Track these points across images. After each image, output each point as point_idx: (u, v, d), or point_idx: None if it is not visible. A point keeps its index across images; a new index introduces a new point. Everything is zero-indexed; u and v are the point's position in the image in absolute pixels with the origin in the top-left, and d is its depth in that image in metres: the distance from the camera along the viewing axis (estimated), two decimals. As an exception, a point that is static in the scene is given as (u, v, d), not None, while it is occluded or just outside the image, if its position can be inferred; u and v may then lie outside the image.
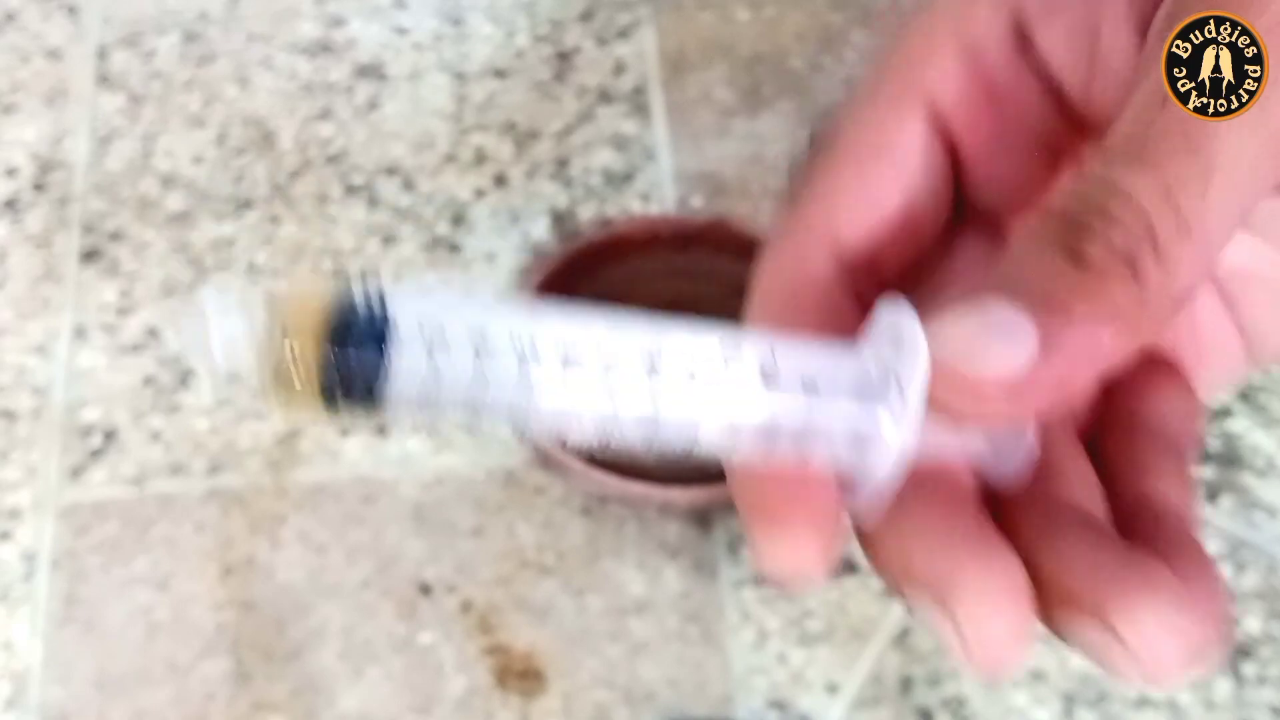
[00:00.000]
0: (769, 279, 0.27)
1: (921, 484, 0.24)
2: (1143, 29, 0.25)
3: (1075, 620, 0.24)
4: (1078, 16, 0.26)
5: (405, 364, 0.21)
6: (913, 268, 0.28)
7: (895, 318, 0.24)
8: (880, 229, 0.27)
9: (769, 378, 0.23)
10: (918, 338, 0.23)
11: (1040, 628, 0.25)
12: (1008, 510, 0.25)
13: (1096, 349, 0.23)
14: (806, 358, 0.24)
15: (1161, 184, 0.23)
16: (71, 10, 1.11)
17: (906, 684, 0.84)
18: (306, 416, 0.22)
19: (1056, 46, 0.27)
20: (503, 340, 0.22)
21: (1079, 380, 0.23)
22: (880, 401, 0.24)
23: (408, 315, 0.21)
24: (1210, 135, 0.23)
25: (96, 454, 0.91)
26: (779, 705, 0.83)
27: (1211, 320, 0.29)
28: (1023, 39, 0.27)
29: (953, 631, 0.23)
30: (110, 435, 0.92)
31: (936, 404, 0.23)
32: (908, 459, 0.24)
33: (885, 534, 0.25)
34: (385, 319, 0.21)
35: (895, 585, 0.25)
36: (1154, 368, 0.28)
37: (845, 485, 0.25)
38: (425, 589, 0.87)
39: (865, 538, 0.25)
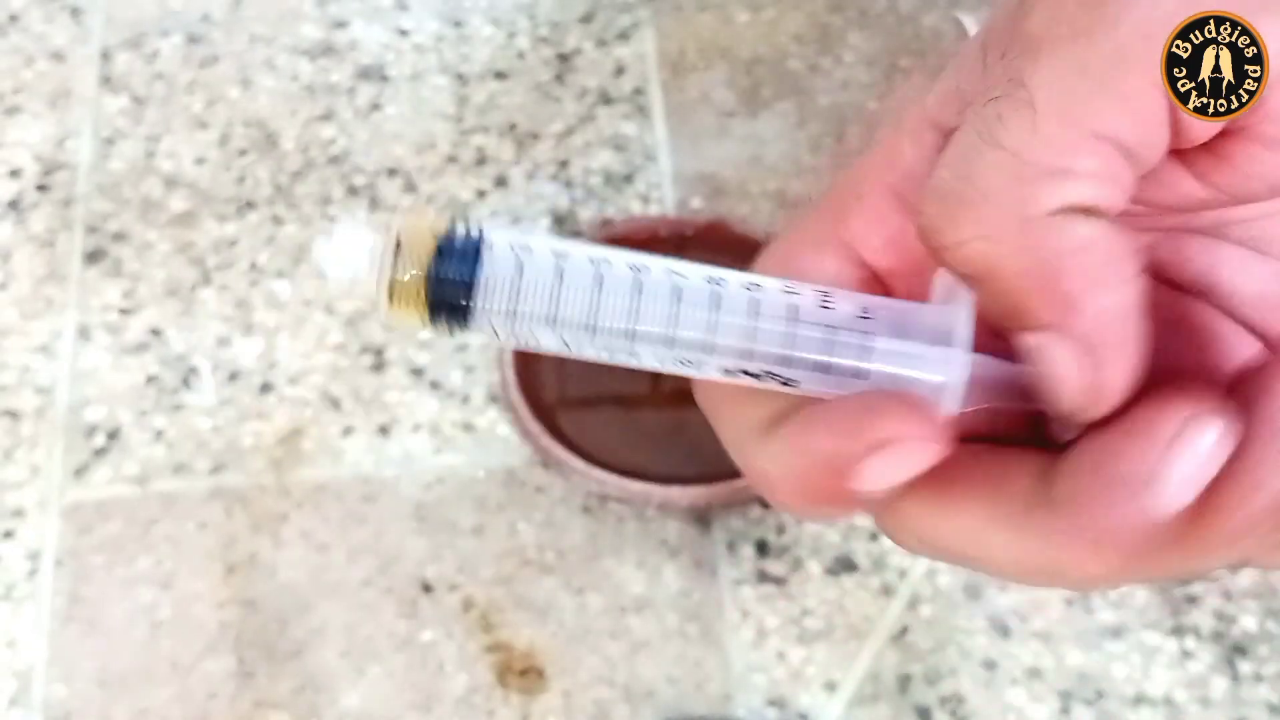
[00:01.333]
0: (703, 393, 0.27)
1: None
2: None
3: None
4: None
5: (497, 269, 0.25)
6: None
7: (946, 280, 0.25)
8: None
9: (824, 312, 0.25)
10: (964, 294, 0.24)
11: None
12: None
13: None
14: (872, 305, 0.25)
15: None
16: (75, 12, 1.11)
17: (904, 682, 0.84)
18: (412, 325, 0.25)
19: None
20: (581, 256, 0.25)
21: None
22: (943, 346, 0.25)
23: (500, 237, 0.25)
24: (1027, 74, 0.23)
25: (100, 453, 0.92)
26: (778, 703, 0.84)
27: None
28: None
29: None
30: (113, 434, 0.92)
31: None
32: (961, 394, 0.24)
33: None
34: (481, 238, 0.25)
35: None
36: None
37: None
38: (426, 587, 0.87)
39: None
